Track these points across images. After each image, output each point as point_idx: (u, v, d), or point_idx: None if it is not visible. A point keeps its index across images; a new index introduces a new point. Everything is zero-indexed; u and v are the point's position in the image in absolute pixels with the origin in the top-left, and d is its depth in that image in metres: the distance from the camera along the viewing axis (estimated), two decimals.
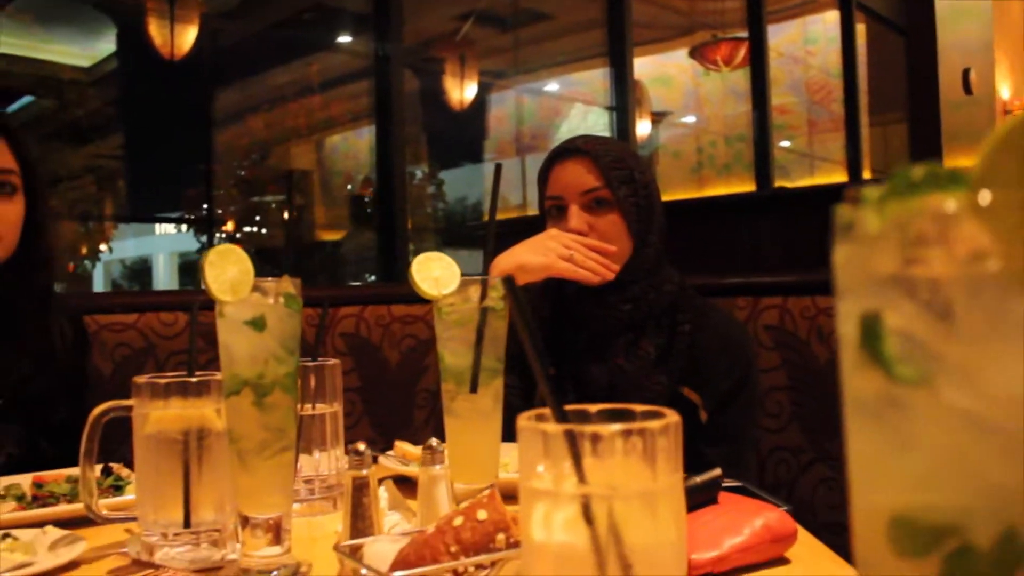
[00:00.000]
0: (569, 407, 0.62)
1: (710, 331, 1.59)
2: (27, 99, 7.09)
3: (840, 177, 9.90)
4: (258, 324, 0.98)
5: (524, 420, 0.60)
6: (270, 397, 0.98)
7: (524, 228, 1.71)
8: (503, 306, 1.10)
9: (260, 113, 8.22)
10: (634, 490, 0.58)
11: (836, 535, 1.73)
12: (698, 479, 1.03)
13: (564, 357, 1.62)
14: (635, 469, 0.58)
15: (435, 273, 1.10)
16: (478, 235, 3.73)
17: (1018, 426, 0.33)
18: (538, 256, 1.54)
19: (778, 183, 8.73)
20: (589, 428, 0.57)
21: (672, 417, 0.59)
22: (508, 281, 0.56)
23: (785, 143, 10.56)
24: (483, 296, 1.09)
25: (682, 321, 1.58)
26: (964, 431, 0.33)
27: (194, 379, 1.07)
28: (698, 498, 1.02)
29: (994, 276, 0.32)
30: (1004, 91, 7.33)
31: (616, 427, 0.57)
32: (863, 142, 9.77)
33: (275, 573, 0.98)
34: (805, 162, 10.75)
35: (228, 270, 0.97)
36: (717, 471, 1.06)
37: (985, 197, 0.32)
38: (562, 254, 1.53)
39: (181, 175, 7.29)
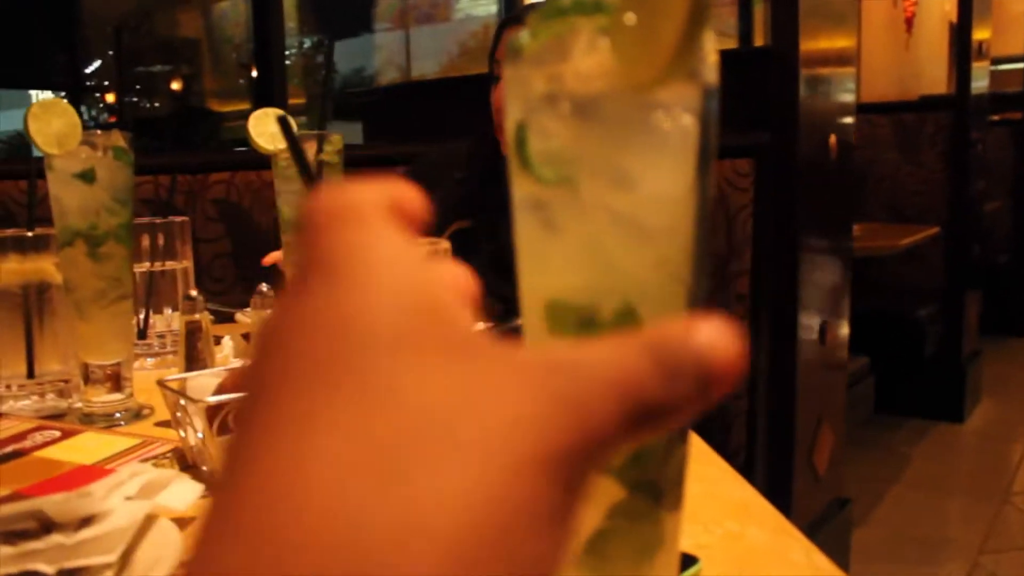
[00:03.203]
0: None
1: None
2: None
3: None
4: (88, 176, 0.99)
5: None
6: (103, 247, 1.00)
7: (408, 92, 1.73)
8: (338, 160, 1.13)
9: None
10: None
11: None
12: None
13: (480, 210, 1.70)
14: None
15: (272, 128, 1.13)
16: (365, 104, 3.77)
17: (636, 217, 0.39)
18: None
19: None
20: None
21: None
22: (283, 120, 0.60)
23: None
24: (319, 150, 1.12)
25: None
26: (597, 223, 0.39)
27: (31, 234, 1.08)
28: None
29: (618, 90, 0.38)
30: None
31: None
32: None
33: (117, 415, 1.02)
34: None
35: (53, 123, 0.98)
36: None
37: (614, 24, 0.37)
38: None
39: (46, 41, 6.89)
